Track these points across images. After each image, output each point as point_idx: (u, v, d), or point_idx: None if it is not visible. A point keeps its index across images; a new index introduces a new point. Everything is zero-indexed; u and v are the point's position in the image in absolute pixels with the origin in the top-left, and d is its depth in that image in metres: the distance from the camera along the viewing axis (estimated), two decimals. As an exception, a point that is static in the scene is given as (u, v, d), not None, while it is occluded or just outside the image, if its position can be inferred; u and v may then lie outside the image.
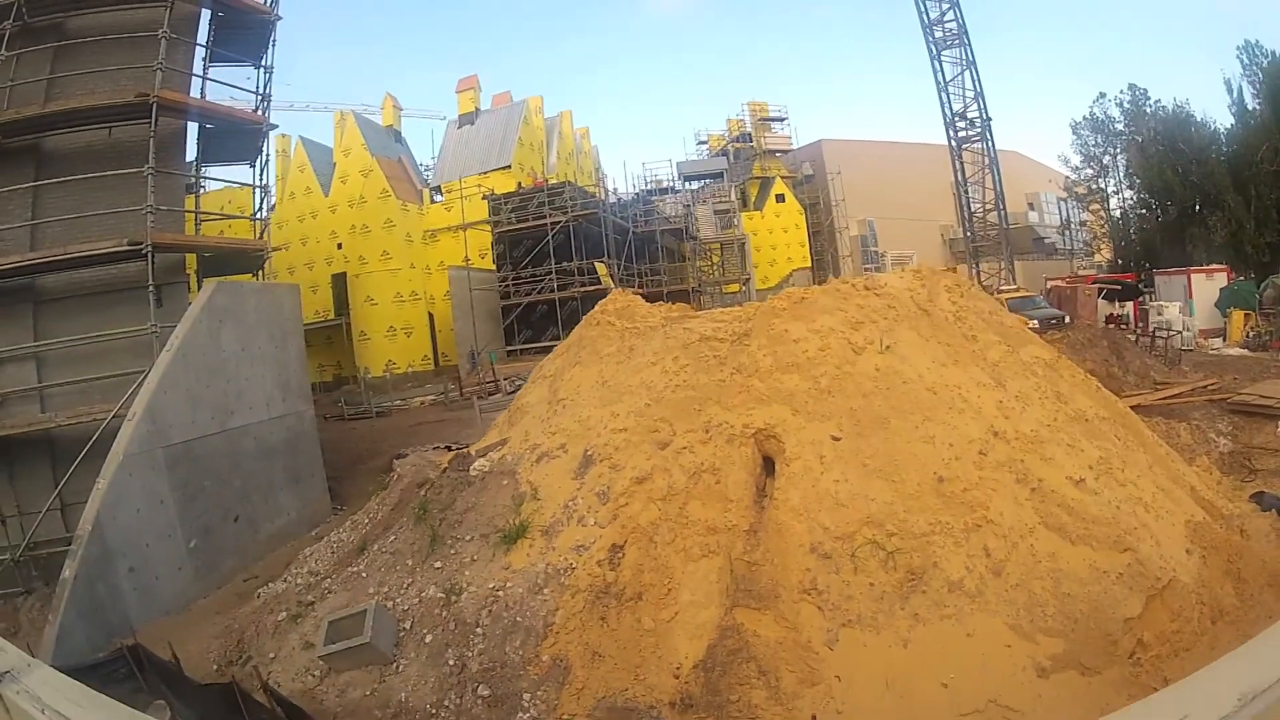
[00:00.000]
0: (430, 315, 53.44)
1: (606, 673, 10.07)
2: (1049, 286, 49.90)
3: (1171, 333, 35.13)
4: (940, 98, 59.89)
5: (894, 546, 9.88)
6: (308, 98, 74.03)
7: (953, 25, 58.74)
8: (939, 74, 59.40)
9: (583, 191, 52.99)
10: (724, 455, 11.61)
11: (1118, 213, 70.26)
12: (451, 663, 10.88)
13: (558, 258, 48.61)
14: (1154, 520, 10.82)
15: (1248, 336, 39.19)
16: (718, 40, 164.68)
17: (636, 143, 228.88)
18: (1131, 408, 21.59)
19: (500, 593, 11.44)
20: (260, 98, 25.33)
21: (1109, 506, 10.48)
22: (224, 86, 25.23)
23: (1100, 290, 45.46)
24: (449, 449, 22.71)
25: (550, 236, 48.29)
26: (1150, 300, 46.37)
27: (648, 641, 10.17)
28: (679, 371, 13.67)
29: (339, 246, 54.62)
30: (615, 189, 68.01)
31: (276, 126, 26.12)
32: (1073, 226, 79.05)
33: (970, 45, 58.62)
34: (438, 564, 12.56)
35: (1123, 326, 38.06)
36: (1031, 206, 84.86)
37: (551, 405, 15.58)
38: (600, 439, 13.17)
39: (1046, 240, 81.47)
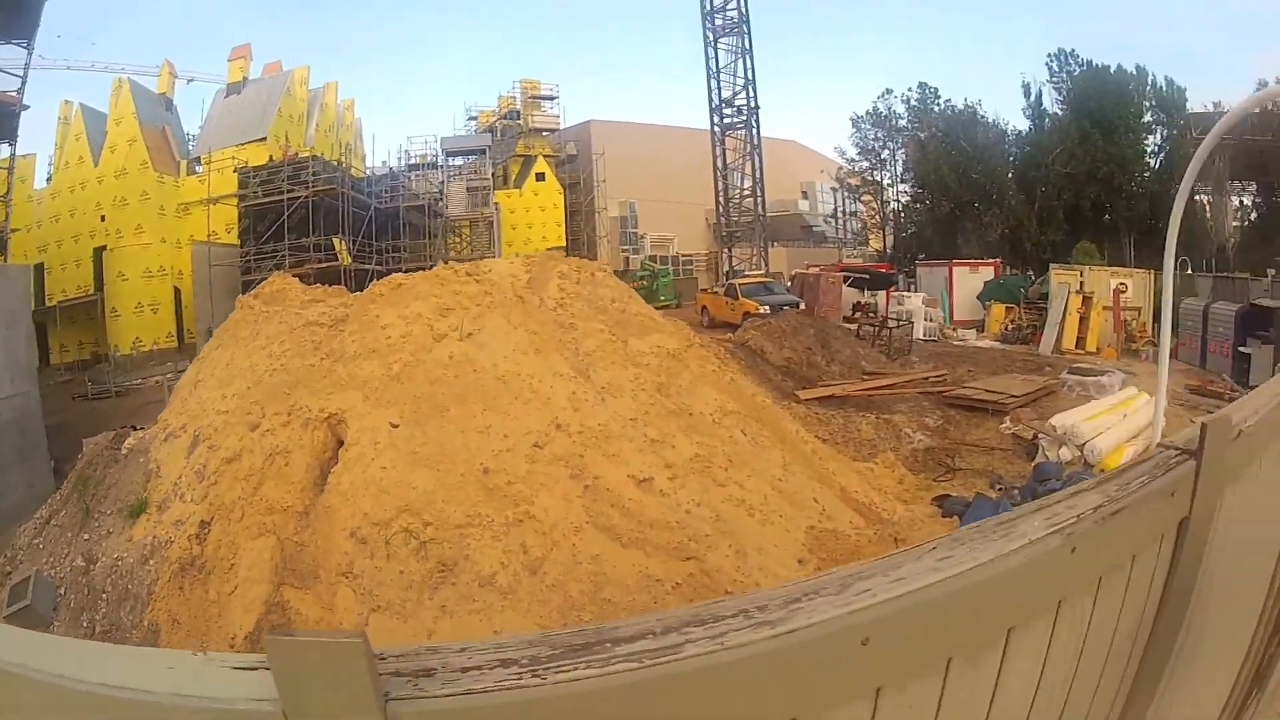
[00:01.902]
0: (177, 291, 51.17)
1: (181, 639, 10.32)
2: (794, 273, 50.14)
3: (901, 323, 35.05)
4: (709, 84, 60.43)
5: (428, 536, 9.90)
6: (123, 58, 70.30)
7: (734, 13, 59.01)
8: (713, 60, 59.77)
9: (328, 165, 51.39)
10: (297, 439, 11.78)
11: (892, 205, 71.91)
12: (85, 625, 11.50)
13: (299, 233, 47.08)
14: (758, 526, 10.60)
15: (1006, 329, 39.76)
16: (506, 16, 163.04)
17: (417, 116, 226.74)
18: (821, 399, 21.25)
19: (120, 562, 12.03)
20: (22, 79, 24.44)
21: (676, 510, 10.33)
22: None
23: (848, 279, 45.57)
24: (135, 429, 22.45)
25: (287, 212, 46.66)
26: (911, 290, 46.93)
27: (212, 612, 10.51)
28: (280, 355, 14.01)
29: (102, 219, 52.00)
30: (379, 164, 68.20)
31: (29, 107, 24.89)
32: (847, 216, 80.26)
33: (749, 34, 59.18)
34: (86, 536, 13.27)
35: (870, 315, 37.69)
36: (805, 195, 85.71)
37: (191, 386, 15.88)
38: (207, 420, 13.49)
39: (816, 229, 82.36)
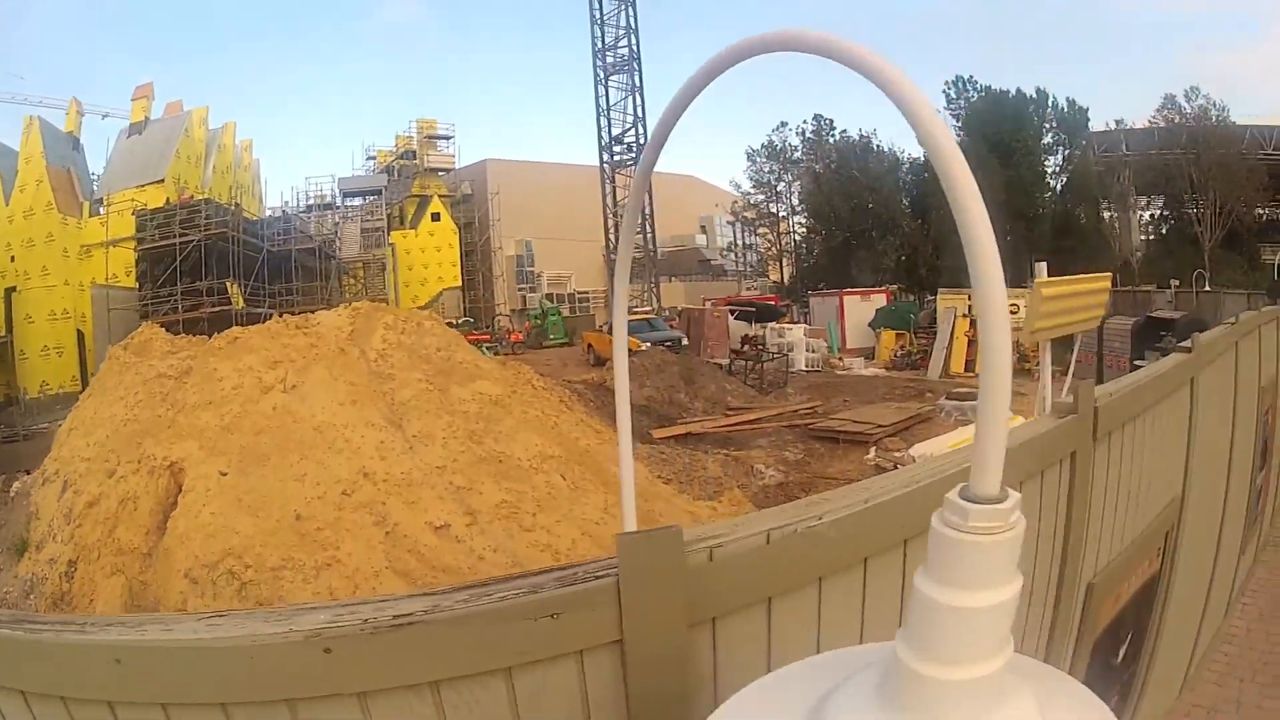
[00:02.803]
0: (80, 334, 50.42)
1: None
2: (680, 309, 50.34)
3: (776, 356, 35.48)
4: (599, 121, 60.58)
5: (248, 578, 10.29)
6: (50, 90, 69.05)
7: (624, 51, 59.31)
8: (603, 98, 60.09)
9: (221, 209, 51.35)
10: (144, 485, 12.14)
11: (787, 237, 72.13)
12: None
13: (194, 277, 47.13)
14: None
15: (895, 356, 40.06)
16: (411, 56, 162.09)
17: (318, 156, 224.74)
18: (676, 437, 21.35)
19: (7, 595, 12.23)
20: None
21: (470, 555, 10.67)
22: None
23: (734, 312, 45.73)
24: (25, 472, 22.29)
25: (178, 256, 46.91)
26: (805, 320, 47.35)
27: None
28: (135, 405, 14.39)
29: (12, 259, 51.48)
30: (277, 204, 67.13)
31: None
32: (741, 250, 79.93)
33: (640, 71, 59.44)
34: (-18, 571, 13.35)
35: (759, 348, 37.94)
36: (704, 229, 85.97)
37: (66, 433, 16.18)
38: (74, 466, 13.96)
39: (715, 262, 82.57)
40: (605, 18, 60.69)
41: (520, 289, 73.15)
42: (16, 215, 51.77)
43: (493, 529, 11.31)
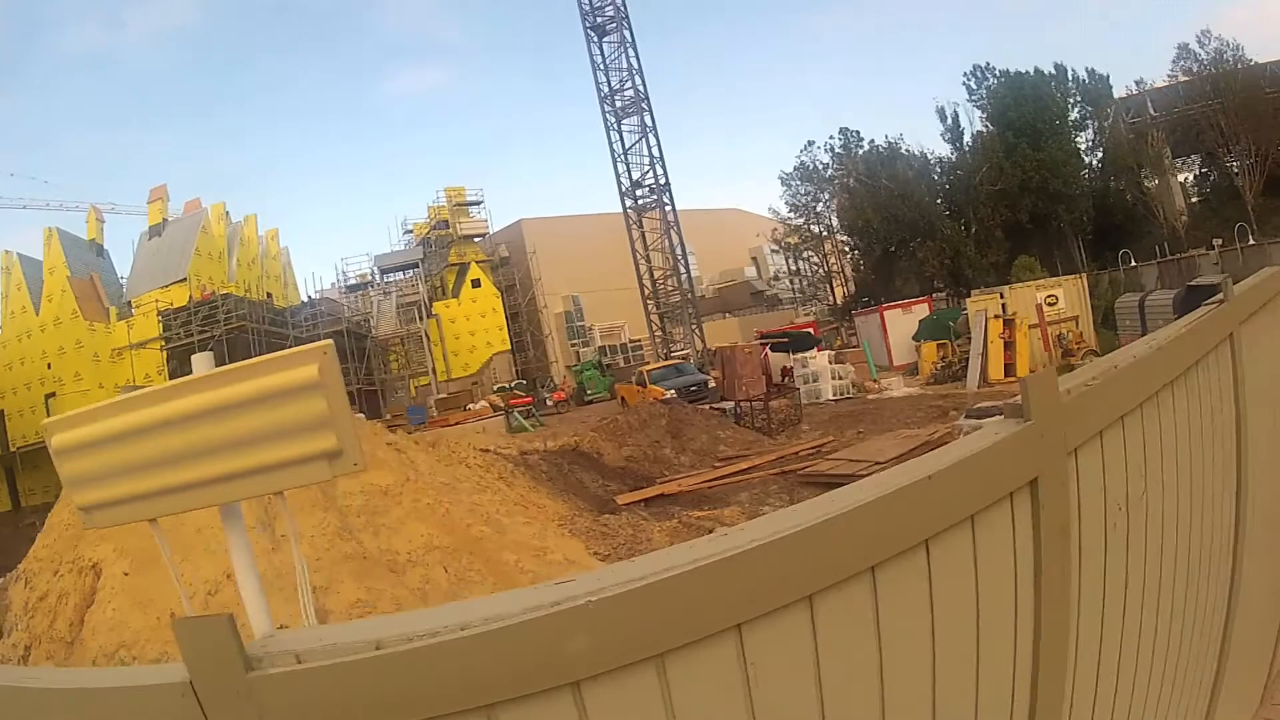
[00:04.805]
0: None
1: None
2: (715, 348, 49.19)
3: (786, 390, 33.97)
4: (616, 167, 60.17)
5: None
6: (74, 196, 71.21)
7: (630, 93, 58.75)
8: (617, 143, 59.60)
9: (241, 302, 52.46)
10: (74, 583, 12.98)
11: (833, 257, 70.90)
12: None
13: None
14: None
15: (936, 368, 37.34)
16: (432, 128, 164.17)
17: (351, 236, 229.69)
18: (646, 500, 19.99)
19: None
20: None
21: None
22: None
23: (769, 345, 44.20)
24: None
25: (196, 351, 45.97)
26: (849, 345, 46.00)
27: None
28: (72, 512, 14.53)
29: (49, 366, 53.57)
30: (315, 290, 67.50)
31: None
32: (790, 277, 78.69)
33: (650, 111, 58.96)
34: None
35: (789, 382, 36.62)
36: (754, 260, 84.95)
37: (45, 534, 16.36)
38: (33, 565, 14.69)
39: (767, 293, 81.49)
40: (608, 62, 60.68)
41: (573, 344, 73.11)
42: (48, 324, 53.72)
43: None
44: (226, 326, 48.31)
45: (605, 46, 60.51)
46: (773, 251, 78.63)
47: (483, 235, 77.54)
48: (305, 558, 11.60)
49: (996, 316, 33.36)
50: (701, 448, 25.43)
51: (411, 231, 77.03)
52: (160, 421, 2.68)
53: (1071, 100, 58.87)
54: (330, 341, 3.26)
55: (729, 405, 32.23)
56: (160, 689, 2.01)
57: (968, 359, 34.54)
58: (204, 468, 2.99)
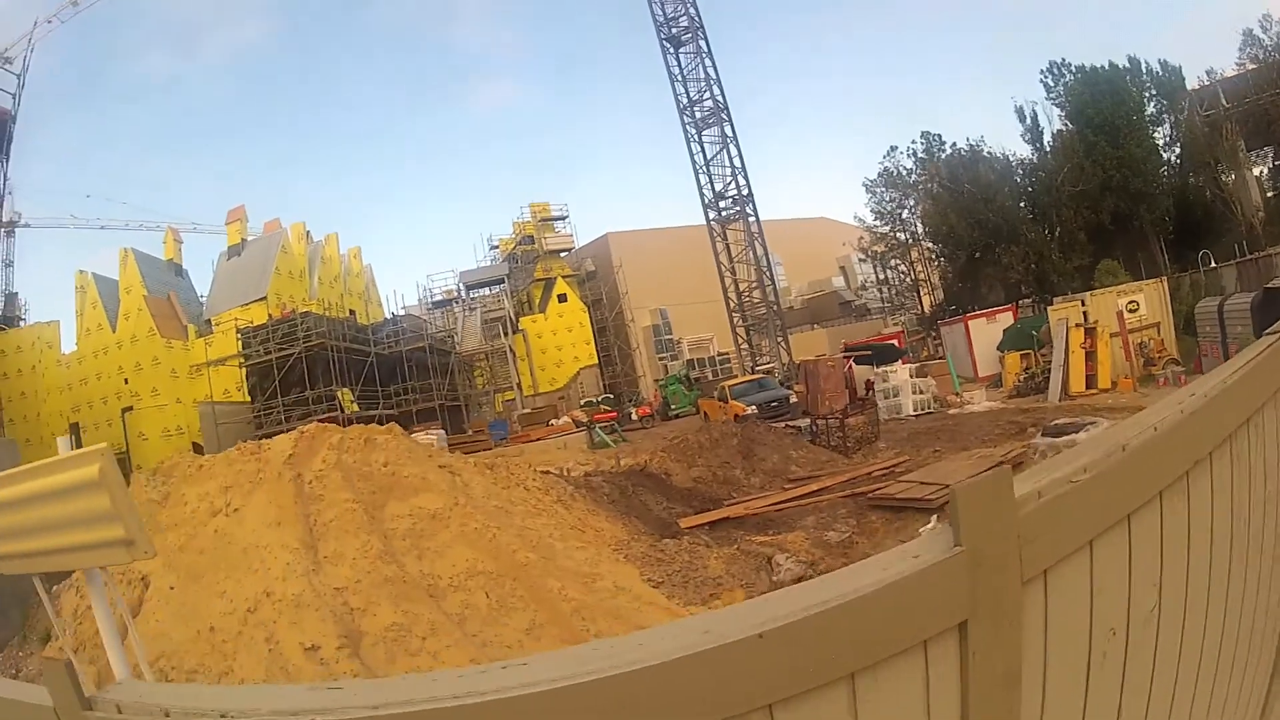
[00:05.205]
0: (198, 447, 51.99)
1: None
2: (799, 362, 48.52)
3: (863, 408, 32.51)
4: (698, 179, 60.01)
5: (170, 677, 11.42)
6: (152, 217, 73.41)
7: (709, 103, 58.48)
8: (698, 154, 59.51)
9: (320, 320, 52.95)
10: (124, 593, 13.11)
11: (920, 265, 69.96)
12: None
13: (301, 387, 49.06)
14: None
15: (1019, 380, 35.81)
16: (516, 143, 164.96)
17: (437, 254, 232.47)
18: (712, 523, 19.51)
19: (28, 673, 15.17)
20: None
21: (325, 678, 10.85)
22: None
23: (853, 358, 43.30)
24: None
25: (280, 370, 48.94)
26: (935, 356, 45.17)
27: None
28: None
29: (125, 381, 55.17)
30: (400, 307, 69.54)
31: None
32: (879, 286, 77.15)
33: (730, 121, 58.67)
34: (20, 653, 17.09)
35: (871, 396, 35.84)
36: (843, 270, 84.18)
37: None
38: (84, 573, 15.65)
39: (855, 304, 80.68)
40: (685, 73, 60.44)
41: (661, 358, 73.09)
42: (125, 341, 55.47)
43: (373, 652, 11.47)
44: (305, 344, 48.96)
45: (682, 57, 60.31)
46: (860, 260, 77.60)
47: (568, 250, 78.25)
48: (345, 580, 12.54)
49: (1078, 325, 32.07)
50: (773, 468, 24.66)
51: (497, 247, 77.88)
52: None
53: (1147, 94, 56.92)
54: (106, 445, 3.41)
55: (804, 423, 31.48)
56: (33, 708, 2.30)
57: (1050, 370, 33.17)
58: (12, 545, 3.29)
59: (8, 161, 29.66)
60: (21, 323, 63.22)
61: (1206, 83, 54.18)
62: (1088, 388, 30.62)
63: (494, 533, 14.36)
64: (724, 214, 60.55)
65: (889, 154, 66.01)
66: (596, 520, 18.39)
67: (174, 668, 11.70)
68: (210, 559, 13.59)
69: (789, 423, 33.12)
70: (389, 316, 67.40)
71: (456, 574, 13.05)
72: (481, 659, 10.93)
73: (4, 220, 60.66)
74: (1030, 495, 2.28)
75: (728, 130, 59.21)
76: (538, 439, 49.57)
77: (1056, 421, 21.92)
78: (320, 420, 43.58)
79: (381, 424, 45.25)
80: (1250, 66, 53.26)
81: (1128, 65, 56.96)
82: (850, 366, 41.64)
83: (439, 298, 74.93)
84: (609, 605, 13.47)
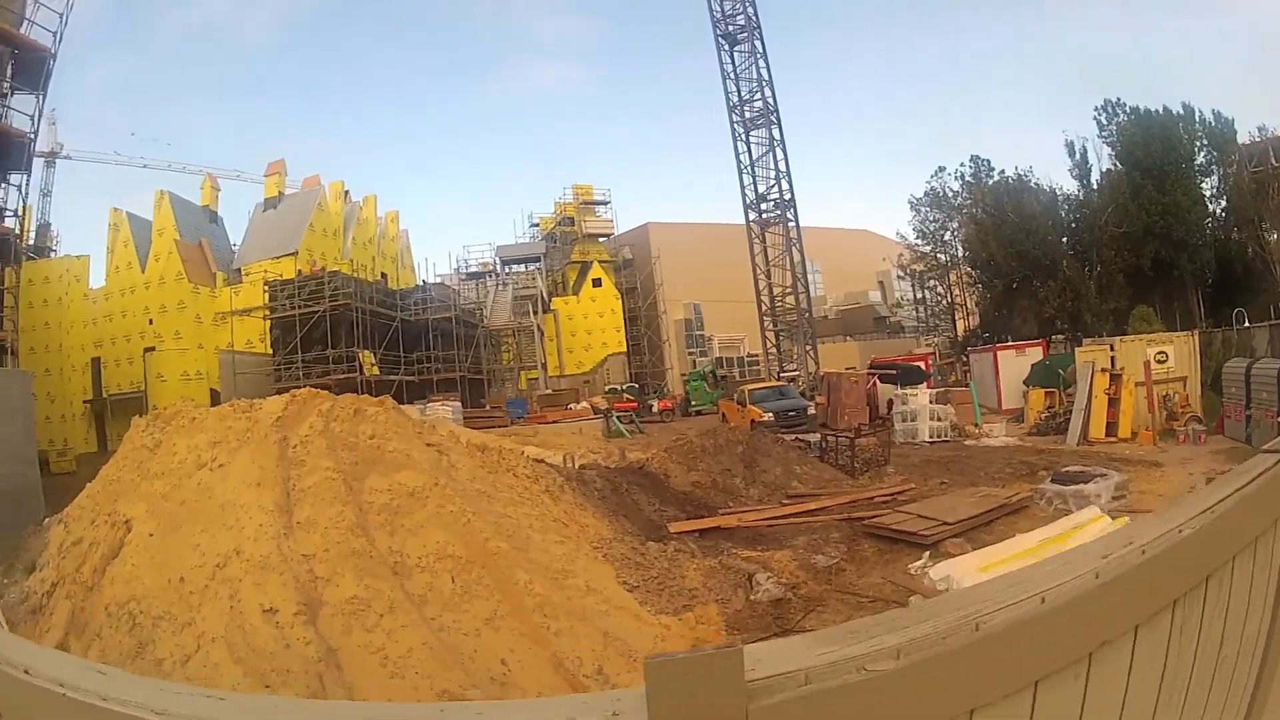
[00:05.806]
0: (215, 394, 52.50)
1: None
2: (822, 374, 48.29)
3: (874, 430, 31.23)
4: (742, 179, 60.09)
5: (138, 621, 11.52)
6: (197, 159, 74.27)
7: (760, 104, 58.38)
8: (744, 154, 59.53)
9: (348, 280, 53.50)
10: (106, 535, 13.68)
11: (958, 288, 69.64)
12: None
13: (323, 345, 49.80)
14: (386, 677, 10.69)
15: (1041, 418, 35.37)
16: (565, 124, 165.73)
17: (477, 226, 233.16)
18: (702, 531, 19.26)
19: (10, 600, 14.60)
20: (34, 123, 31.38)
21: (280, 641, 10.95)
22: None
23: (878, 375, 43.03)
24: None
25: (303, 326, 49.68)
26: (963, 382, 44.92)
27: (34, 640, 11.81)
28: (123, 468, 16.06)
29: (150, 322, 55.61)
30: (435, 275, 70.33)
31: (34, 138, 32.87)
32: (915, 305, 77.17)
33: (779, 124, 58.58)
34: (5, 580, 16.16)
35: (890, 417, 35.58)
36: (881, 284, 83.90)
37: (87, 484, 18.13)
38: (73, 512, 16.14)
39: (890, 320, 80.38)
40: (738, 72, 60.22)
41: (690, 353, 73.08)
42: (153, 282, 55.99)
43: (331, 623, 11.32)
44: (331, 302, 49.45)
45: (736, 56, 60.11)
46: (899, 277, 77.21)
47: (607, 235, 78.56)
48: (314, 548, 12.47)
49: (1104, 370, 31.71)
50: (774, 481, 24.21)
51: (537, 225, 78.27)
52: None
53: (1198, 143, 56.53)
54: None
55: (814, 438, 31.01)
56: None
57: (1072, 412, 32.57)
58: None
59: (45, 96, 30.64)
60: (52, 254, 64.34)
61: (1257, 138, 53.42)
62: (1107, 435, 30.15)
63: (469, 517, 14.18)
64: (764, 216, 60.36)
65: (937, 174, 66.69)
66: (583, 515, 18.23)
67: (142, 612, 11.72)
68: (190, 511, 13.49)
69: (799, 436, 32.31)
70: (420, 283, 67.99)
71: (425, 555, 12.87)
72: (435, 644, 10.94)
73: (43, 151, 61.14)
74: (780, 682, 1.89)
75: (775, 134, 59.09)
76: (553, 421, 49.67)
77: (1068, 468, 21.38)
78: (338, 379, 44.16)
79: (401, 389, 45.54)
80: (1306, 124, 52.59)
81: (1181, 112, 56.74)
82: (874, 384, 41.24)
83: (474, 269, 75.35)
84: (576, 604, 13.30)
